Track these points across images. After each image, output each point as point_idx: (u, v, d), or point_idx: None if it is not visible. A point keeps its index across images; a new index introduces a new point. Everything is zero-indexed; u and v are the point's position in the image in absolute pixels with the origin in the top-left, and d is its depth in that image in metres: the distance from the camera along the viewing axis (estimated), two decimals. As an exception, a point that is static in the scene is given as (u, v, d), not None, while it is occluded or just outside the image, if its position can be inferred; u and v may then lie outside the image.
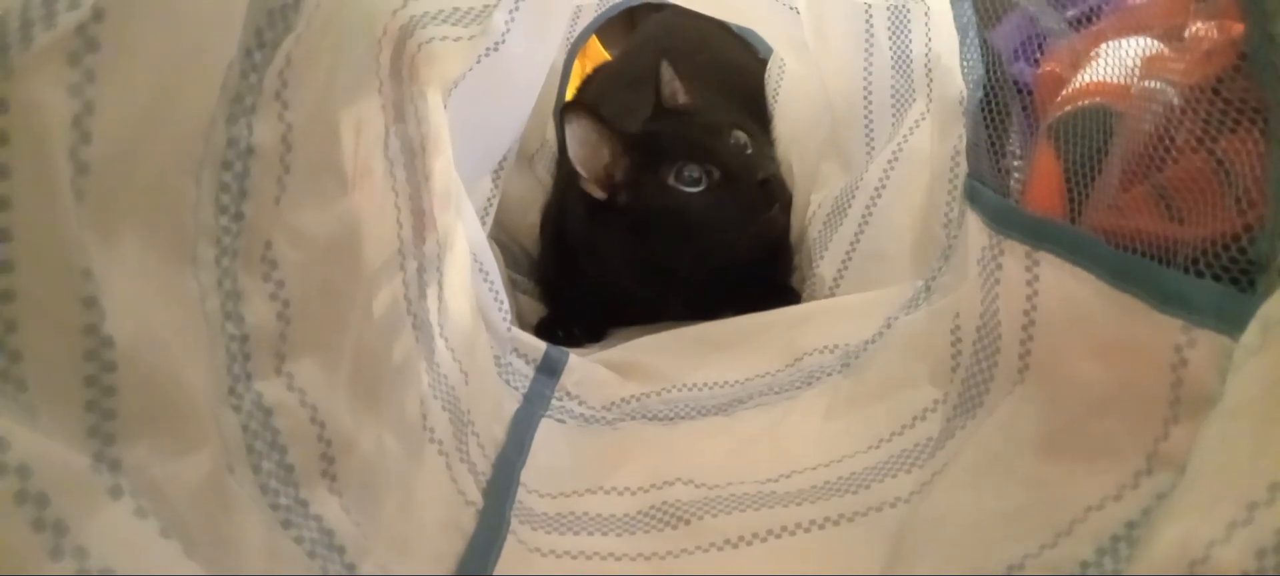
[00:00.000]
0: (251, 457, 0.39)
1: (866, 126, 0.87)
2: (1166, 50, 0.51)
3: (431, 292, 0.60)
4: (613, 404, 0.73)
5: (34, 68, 0.28)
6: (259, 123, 0.40)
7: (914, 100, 0.81)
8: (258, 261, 0.41)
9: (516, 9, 0.73)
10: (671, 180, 0.79)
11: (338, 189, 0.47)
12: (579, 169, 0.81)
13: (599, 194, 0.82)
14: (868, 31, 0.84)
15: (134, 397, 0.32)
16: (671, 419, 0.71)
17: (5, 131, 0.28)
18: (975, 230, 0.58)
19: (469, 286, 0.69)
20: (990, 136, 0.63)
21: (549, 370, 0.77)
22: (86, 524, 0.29)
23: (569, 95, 1.08)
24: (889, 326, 0.70)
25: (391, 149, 0.55)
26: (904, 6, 0.82)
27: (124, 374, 0.31)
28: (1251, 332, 0.35)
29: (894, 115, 0.84)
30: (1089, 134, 0.52)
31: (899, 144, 0.80)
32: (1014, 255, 0.52)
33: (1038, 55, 0.63)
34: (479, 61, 0.72)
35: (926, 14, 0.80)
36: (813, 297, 0.86)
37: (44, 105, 0.29)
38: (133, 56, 0.32)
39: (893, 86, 0.83)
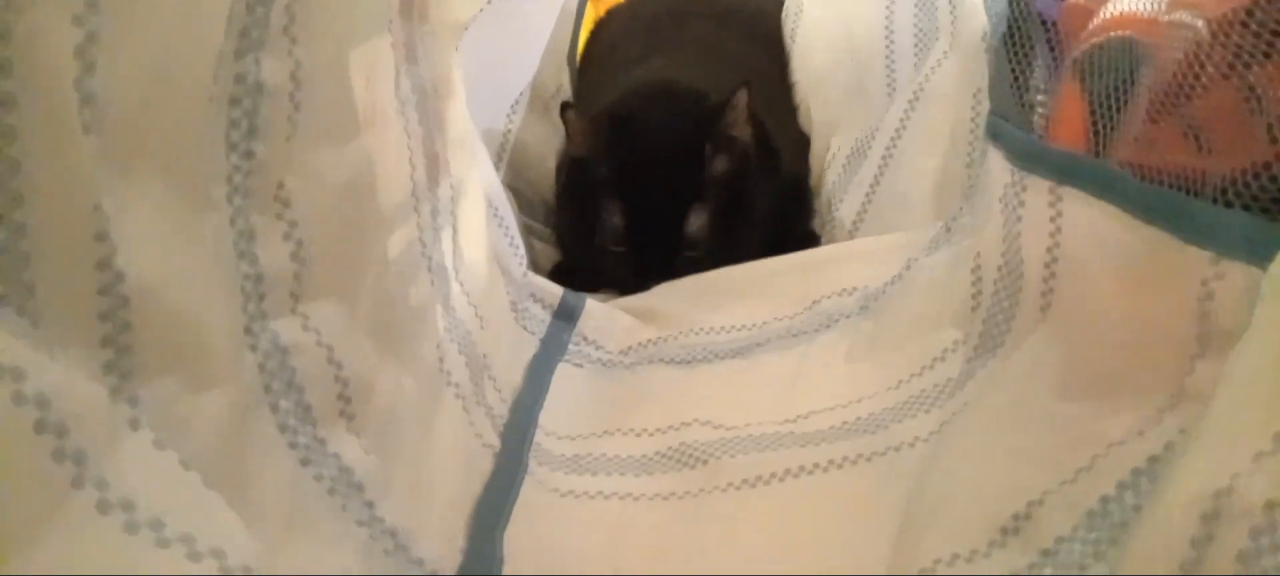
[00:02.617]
0: (269, 396, 0.40)
1: (888, 68, 0.85)
2: (1197, -21, 0.50)
3: (446, 237, 0.60)
4: (630, 348, 0.73)
5: None
6: (267, 59, 0.39)
7: (937, 39, 0.79)
8: (271, 200, 0.41)
9: (528, -51, 0.71)
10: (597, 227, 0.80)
11: (349, 129, 0.46)
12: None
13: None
14: (890, -33, 0.82)
15: (149, 333, 0.32)
16: (689, 362, 0.71)
17: (8, 61, 0.27)
18: (997, 168, 0.57)
19: (484, 231, 0.69)
20: (1014, 72, 0.62)
21: (566, 315, 0.77)
22: (106, 454, 0.29)
23: (582, 39, 1.06)
24: (909, 268, 0.69)
25: (403, 90, 0.54)
26: (927, -59, 0.80)
27: (138, 309, 0.31)
28: (1280, 261, 0.34)
29: (916, 55, 0.82)
30: (1115, 67, 0.51)
31: (920, 84, 0.79)
32: (1037, 192, 0.51)
33: (1064, -12, 0.61)
34: (490, 3, 0.71)
35: (950, -52, 0.78)
36: (832, 242, 0.86)
37: (47, 34, 0.28)
38: (137, -14, 0.31)
39: (915, 25, 0.81)
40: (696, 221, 0.79)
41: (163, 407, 0.32)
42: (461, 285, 0.62)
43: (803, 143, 0.97)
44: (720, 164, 0.80)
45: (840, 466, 0.55)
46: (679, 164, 0.80)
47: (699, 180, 0.80)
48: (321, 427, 0.42)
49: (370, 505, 0.44)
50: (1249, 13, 0.42)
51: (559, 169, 0.95)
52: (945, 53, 0.77)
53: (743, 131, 0.82)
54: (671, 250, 0.80)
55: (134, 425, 0.30)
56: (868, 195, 0.83)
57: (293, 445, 0.40)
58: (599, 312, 0.77)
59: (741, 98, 0.80)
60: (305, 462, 0.41)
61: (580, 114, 0.81)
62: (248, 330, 0.39)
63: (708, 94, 0.83)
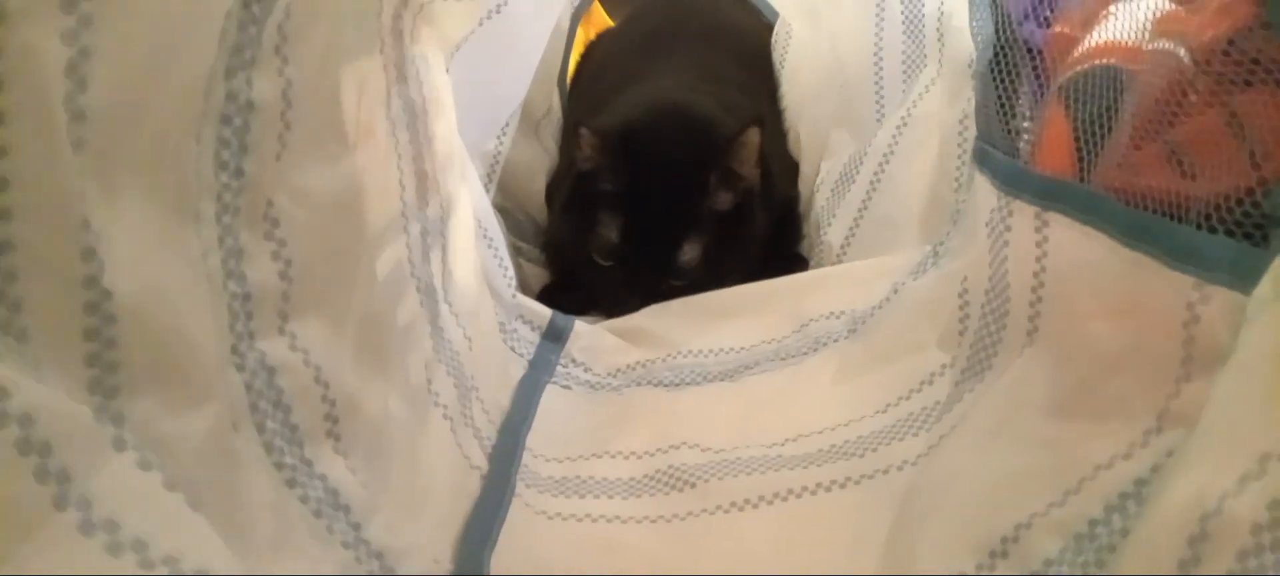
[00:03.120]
0: (255, 416, 0.39)
1: (877, 92, 0.86)
2: (1179, 8, 0.50)
3: (435, 257, 0.60)
4: (619, 370, 0.73)
5: (27, 12, 0.28)
6: (258, 77, 0.39)
7: (925, 65, 0.80)
8: (259, 219, 0.40)
9: (519, -29, 0.72)
10: (592, 238, 0.81)
11: (339, 148, 0.46)
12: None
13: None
14: (879, -8, 0.83)
15: (136, 352, 0.31)
16: (677, 385, 0.70)
17: (0, 77, 0.27)
18: (983, 193, 0.57)
19: (473, 251, 0.69)
20: (1000, 98, 0.62)
21: (554, 336, 0.77)
22: (91, 474, 0.29)
23: (573, 61, 1.07)
24: (896, 291, 0.69)
25: (393, 110, 0.54)
26: (916, -34, 0.81)
27: (125, 327, 0.31)
28: (1264, 286, 0.34)
29: (905, 80, 0.83)
30: (1100, 94, 0.52)
31: (909, 108, 0.80)
32: (1023, 216, 0.51)
33: (1048, 16, 0.62)
34: (481, 24, 0.71)
35: (939, -27, 0.79)
36: (821, 265, 0.86)
37: (39, 51, 0.28)
38: (128, 3, 0.31)
39: (904, 50, 0.82)
40: (690, 252, 0.80)
41: (148, 426, 0.32)
42: (450, 305, 0.62)
43: (792, 166, 0.98)
44: (723, 199, 0.81)
45: (829, 489, 0.55)
46: (682, 191, 0.80)
47: (698, 210, 0.80)
48: (308, 448, 0.42)
49: (356, 526, 0.43)
50: (1231, 42, 0.43)
51: (550, 189, 0.96)
52: (934, 78, 0.78)
53: (750, 170, 0.82)
54: (660, 275, 0.80)
55: (118, 444, 0.30)
56: (856, 218, 0.83)
57: (278, 465, 0.40)
58: (587, 334, 0.77)
59: (753, 135, 0.80)
60: (291, 483, 0.40)
61: (593, 129, 0.81)
62: (235, 349, 0.38)
63: (719, 122, 0.84)
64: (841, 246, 0.84)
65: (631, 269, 0.80)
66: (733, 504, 0.55)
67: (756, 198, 0.83)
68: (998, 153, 0.58)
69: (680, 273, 0.80)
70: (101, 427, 0.30)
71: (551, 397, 0.70)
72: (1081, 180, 0.50)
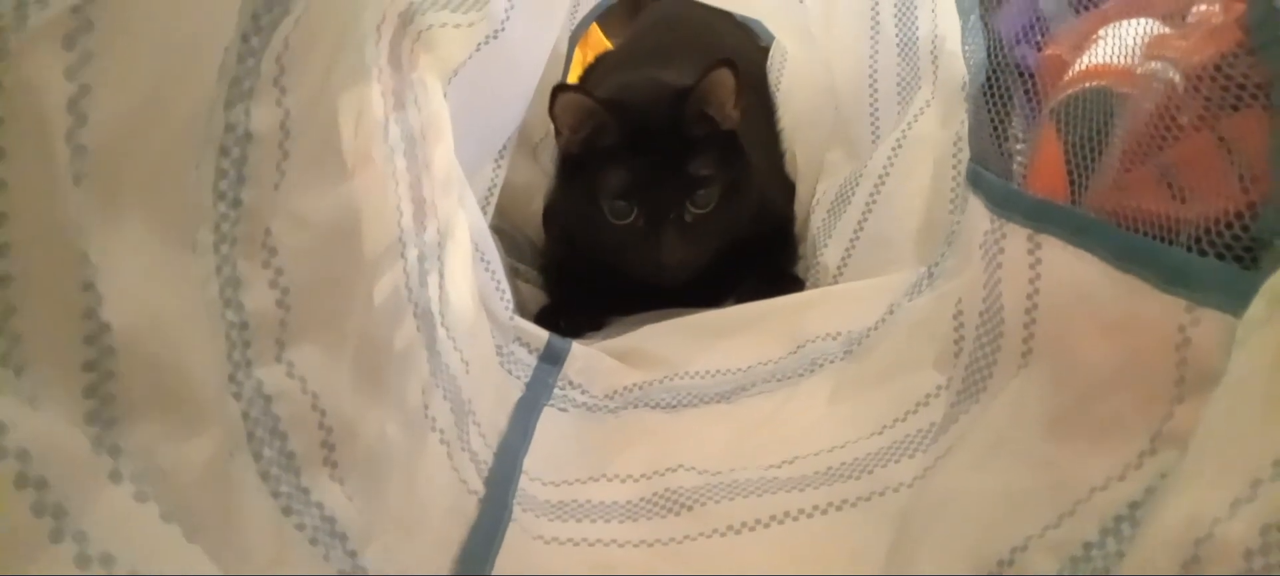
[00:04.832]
0: (252, 444, 0.39)
1: (872, 114, 0.86)
2: (1169, 32, 0.51)
3: (432, 281, 0.60)
4: (615, 392, 0.73)
5: (29, 49, 0.28)
6: (257, 108, 0.40)
7: (919, 86, 0.80)
8: (257, 248, 0.41)
9: (517, -4, 0.72)
10: (603, 198, 0.80)
11: (337, 175, 0.47)
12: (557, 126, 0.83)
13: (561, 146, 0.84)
14: (873, 15, 0.84)
15: (134, 383, 0.32)
16: (674, 406, 0.71)
17: (1, 114, 0.28)
18: (977, 214, 0.58)
19: (470, 275, 0.69)
20: (992, 120, 0.63)
21: (552, 359, 0.77)
22: (86, 508, 0.29)
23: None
24: (892, 312, 0.69)
25: (391, 136, 0.55)
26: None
27: (123, 359, 0.31)
28: (1256, 308, 0.35)
29: (899, 102, 0.83)
30: (1092, 116, 0.52)
31: (904, 130, 0.80)
32: (1016, 238, 0.52)
33: (1040, 39, 0.63)
34: (479, 49, 0.72)
35: (933, -5, 0.79)
36: (817, 285, 0.86)
37: (40, 87, 0.28)
38: (129, 38, 0.31)
39: (898, 72, 0.83)
40: (701, 164, 0.80)
41: (145, 457, 0.32)
42: (447, 329, 0.62)
43: (788, 188, 0.98)
44: (699, 129, 0.82)
45: (825, 511, 0.55)
46: (674, 119, 0.81)
47: (692, 132, 0.81)
48: (305, 475, 0.42)
49: (353, 554, 0.43)
50: (1221, 64, 0.43)
51: (547, 211, 0.96)
52: (928, 100, 0.78)
53: (728, 113, 0.82)
54: (681, 194, 0.80)
55: (115, 477, 0.30)
56: (852, 239, 0.83)
57: (275, 493, 0.40)
58: (585, 356, 0.77)
59: (723, 76, 0.80)
60: (287, 511, 0.40)
61: (578, 90, 0.82)
62: (232, 377, 0.39)
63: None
64: (837, 267, 0.84)
65: (652, 202, 0.80)
66: (729, 527, 0.55)
67: (741, 149, 0.84)
68: (991, 174, 0.59)
69: (699, 182, 0.80)
70: (98, 459, 0.30)
71: (549, 420, 0.70)
72: (1073, 202, 0.51)
